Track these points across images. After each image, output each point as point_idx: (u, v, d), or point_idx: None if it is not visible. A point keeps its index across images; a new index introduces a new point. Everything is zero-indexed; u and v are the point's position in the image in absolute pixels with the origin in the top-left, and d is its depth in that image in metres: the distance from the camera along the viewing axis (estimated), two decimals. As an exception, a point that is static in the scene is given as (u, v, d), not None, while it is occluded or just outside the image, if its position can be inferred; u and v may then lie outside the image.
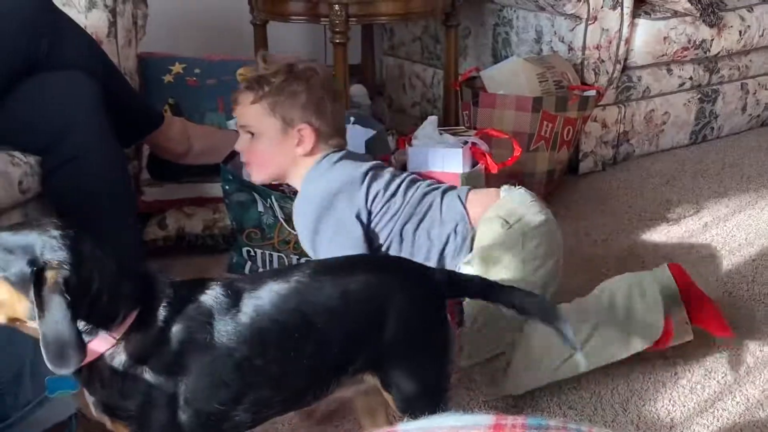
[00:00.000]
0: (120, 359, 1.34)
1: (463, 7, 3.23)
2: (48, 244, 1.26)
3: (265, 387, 1.39)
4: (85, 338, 1.29)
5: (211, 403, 1.37)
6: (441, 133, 2.26)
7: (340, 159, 1.94)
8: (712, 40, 3.32)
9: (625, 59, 3.17)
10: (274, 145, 1.93)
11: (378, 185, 1.93)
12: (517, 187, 2.00)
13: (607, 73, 3.11)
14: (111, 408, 1.37)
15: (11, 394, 1.64)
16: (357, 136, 2.28)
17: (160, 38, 2.84)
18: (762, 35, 3.45)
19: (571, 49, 3.06)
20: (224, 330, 1.36)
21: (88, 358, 1.31)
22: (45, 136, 2.05)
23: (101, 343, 1.33)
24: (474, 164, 2.22)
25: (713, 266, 2.47)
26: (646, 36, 3.15)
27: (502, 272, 1.83)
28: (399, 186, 1.95)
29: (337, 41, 2.85)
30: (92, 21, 2.39)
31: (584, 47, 3.04)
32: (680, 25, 3.22)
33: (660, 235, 2.68)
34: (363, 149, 2.23)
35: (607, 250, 2.58)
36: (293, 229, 2.09)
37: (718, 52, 3.37)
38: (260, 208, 2.24)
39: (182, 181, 2.52)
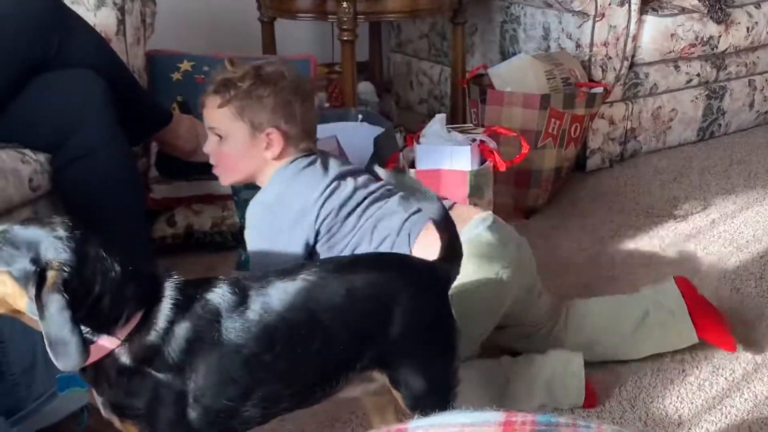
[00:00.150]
0: (125, 359, 1.35)
1: (471, 4, 3.24)
2: (53, 244, 1.28)
3: (273, 383, 1.41)
4: (90, 338, 1.31)
5: (219, 399, 1.38)
6: (449, 131, 2.26)
7: (308, 165, 1.89)
8: (720, 36, 3.32)
9: (633, 56, 3.17)
10: (242, 149, 1.90)
11: (333, 203, 1.86)
12: (484, 219, 1.89)
13: (615, 69, 3.11)
14: (119, 407, 1.38)
15: (25, 385, 1.65)
16: (365, 134, 2.29)
17: (168, 36, 2.85)
18: (769, 32, 3.45)
19: (578, 46, 3.06)
20: (232, 327, 1.37)
21: (93, 358, 1.33)
22: (55, 134, 2.06)
23: (106, 343, 1.34)
24: (482, 162, 2.22)
25: (721, 263, 2.47)
26: (653, 33, 3.15)
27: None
28: (356, 207, 1.87)
29: (345, 39, 2.85)
30: (101, 19, 2.40)
31: (592, 44, 3.04)
32: (688, 22, 3.22)
33: (667, 231, 2.69)
34: (371, 147, 2.24)
35: (615, 247, 2.59)
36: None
37: (726, 49, 3.37)
38: (268, 205, 2.24)
39: (191, 178, 2.53)
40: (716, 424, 1.80)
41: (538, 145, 2.71)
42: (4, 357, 1.63)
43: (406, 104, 3.88)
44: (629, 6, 3.07)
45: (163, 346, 1.35)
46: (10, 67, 2.06)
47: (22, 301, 1.29)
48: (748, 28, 3.38)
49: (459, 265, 1.55)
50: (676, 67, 3.30)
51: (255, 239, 1.89)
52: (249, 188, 2.24)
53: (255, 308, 1.39)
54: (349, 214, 1.86)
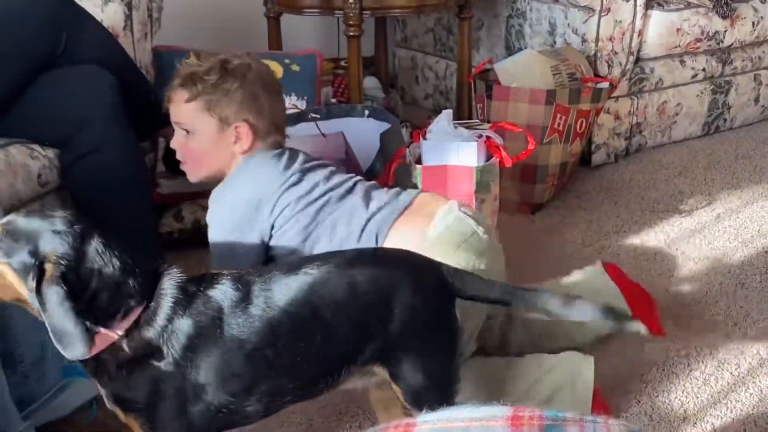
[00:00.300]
0: (124, 353, 1.37)
1: (476, -1, 3.24)
2: (51, 238, 1.32)
3: (277, 377, 1.42)
4: (93, 328, 1.34)
5: (222, 395, 1.39)
6: (455, 127, 2.27)
7: (271, 158, 1.87)
8: (725, 31, 3.32)
9: (638, 51, 3.17)
10: (210, 144, 1.89)
11: (289, 197, 1.83)
12: (450, 209, 1.85)
13: (620, 64, 3.11)
14: (121, 400, 1.40)
15: (36, 376, 1.67)
16: (371, 129, 2.29)
17: (174, 31, 2.86)
18: (775, 26, 3.45)
19: (584, 41, 3.06)
20: (235, 323, 1.39)
21: (95, 350, 1.35)
22: (63, 130, 2.07)
23: (105, 337, 1.36)
24: (488, 158, 2.23)
25: (726, 258, 2.47)
26: (659, 27, 3.16)
27: None
28: (314, 201, 1.84)
29: (351, 34, 2.86)
30: (108, 14, 2.41)
31: (597, 39, 3.04)
32: (693, 17, 3.22)
33: (672, 226, 2.69)
34: (377, 143, 2.24)
35: (620, 242, 2.59)
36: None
37: (731, 44, 3.37)
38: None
39: (198, 173, 2.53)
40: (721, 418, 1.80)
41: (543, 141, 2.72)
42: (15, 348, 1.65)
43: (411, 99, 3.88)
44: (635, 1, 3.07)
45: (163, 342, 1.36)
46: (19, 63, 2.07)
47: (22, 290, 1.33)
48: (753, 23, 3.38)
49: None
50: (682, 62, 3.30)
51: (214, 231, 1.87)
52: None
53: (258, 303, 1.40)
54: (306, 207, 1.83)
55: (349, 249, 1.76)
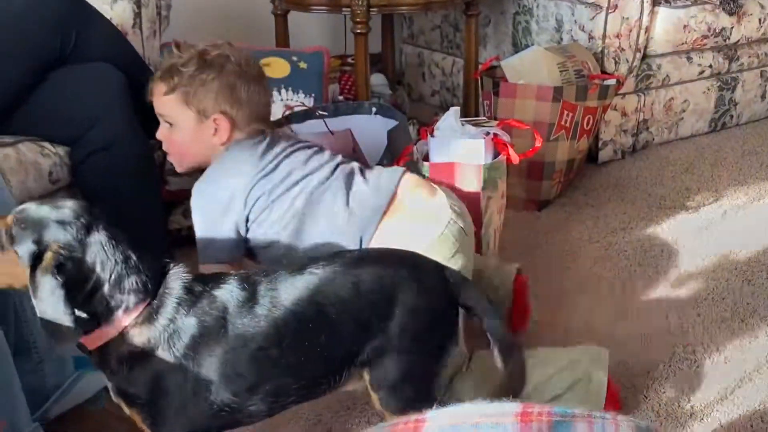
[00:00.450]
0: (125, 349, 1.38)
1: (483, -4, 3.24)
2: (56, 228, 1.33)
3: (281, 377, 1.42)
4: (90, 321, 1.35)
5: (225, 394, 1.40)
6: (463, 124, 2.27)
7: (248, 149, 1.85)
8: (732, 28, 3.32)
9: (645, 47, 3.17)
10: (191, 136, 1.88)
11: (265, 185, 1.81)
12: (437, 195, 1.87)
13: (627, 61, 3.11)
14: (124, 394, 1.42)
15: (50, 362, 1.69)
16: (379, 126, 2.29)
17: (182, 29, 2.87)
18: (782, 23, 3.45)
19: (591, 37, 3.06)
20: (240, 323, 1.40)
21: (93, 344, 1.37)
22: (74, 127, 2.08)
23: (106, 331, 1.37)
24: (496, 155, 2.23)
25: (732, 255, 2.48)
26: (666, 24, 3.16)
27: None
28: (290, 189, 1.81)
29: (358, 31, 2.86)
30: (117, 12, 2.42)
31: (604, 36, 3.04)
32: (700, 14, 3.22)
33: (679, 223, 2.70)
34: (385, 140, 2.25)
35: (627, 238, 2.60)
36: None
37: (738, 40, 3.37)
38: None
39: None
40: (728, 414, 1.81)
41: (551, 138, 2.72)
42: (29, 335, 1.67)
43: (418, 96, 3.89)
44: (642, -2, 3.07)
45: (164, 341, 1.37)
46: (29, 61, 2.09)
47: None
48: (760, 20, 3.38)
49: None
50: (689, 59, 3.30)
51: (195, 225, 1.87)
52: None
53: (264, 303, 1.41)
54: (281, 196, 1.81)
55: (355, 249, 1.76)
